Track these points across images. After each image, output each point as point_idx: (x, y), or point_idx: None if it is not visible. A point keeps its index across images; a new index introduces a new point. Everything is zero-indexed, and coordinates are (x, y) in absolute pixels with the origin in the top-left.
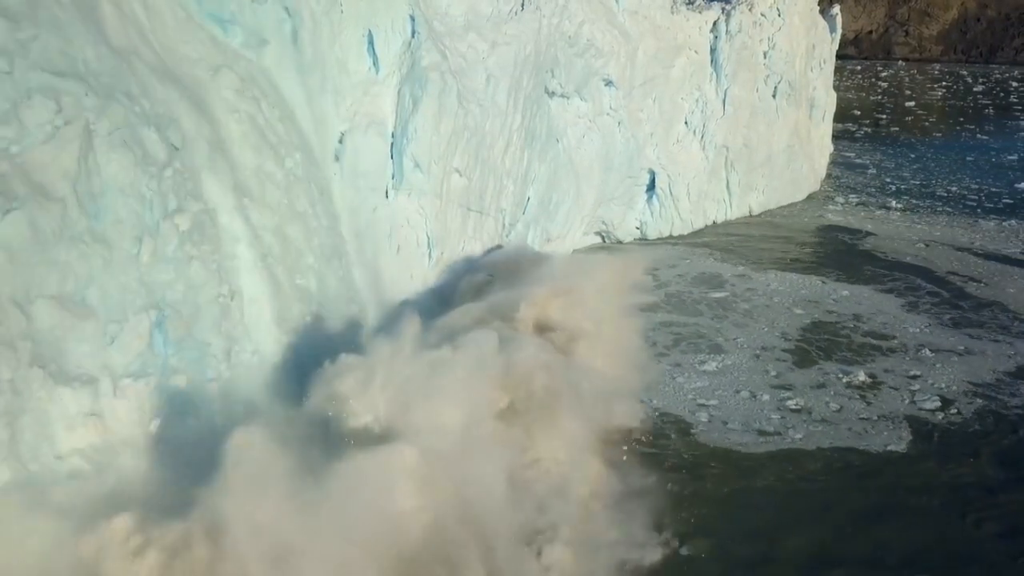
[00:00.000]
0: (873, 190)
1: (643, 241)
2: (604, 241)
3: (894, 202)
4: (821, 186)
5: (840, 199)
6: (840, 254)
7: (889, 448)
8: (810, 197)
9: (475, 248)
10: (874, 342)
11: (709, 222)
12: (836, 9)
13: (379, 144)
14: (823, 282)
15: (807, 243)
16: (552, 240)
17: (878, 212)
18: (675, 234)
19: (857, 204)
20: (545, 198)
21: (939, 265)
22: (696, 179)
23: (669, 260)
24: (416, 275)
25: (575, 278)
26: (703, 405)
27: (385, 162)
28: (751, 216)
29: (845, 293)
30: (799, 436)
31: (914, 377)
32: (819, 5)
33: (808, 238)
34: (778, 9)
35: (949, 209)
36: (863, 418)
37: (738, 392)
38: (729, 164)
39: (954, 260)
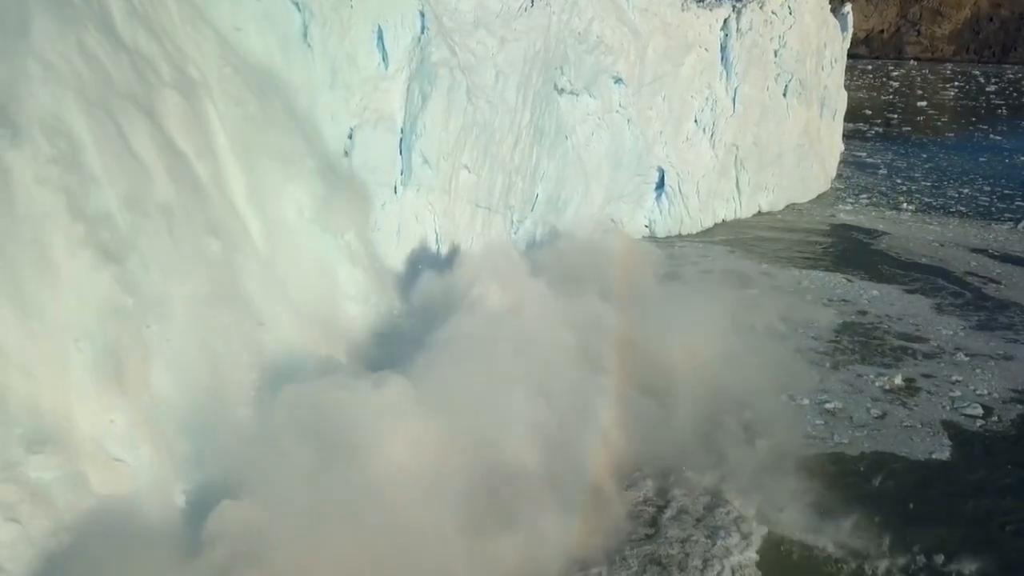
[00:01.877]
0: (884, 190)
1: (657, 239)
2: None
3: (905, 203)
4: (831, 186)
5: (851, 199)
6: (858, 253)
7: (933, 456)
8: (820, 197)
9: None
10: (909, 345)
11: (718, 220)
12: (847, 8)
13: (388, 139)
14: (848, 280)
15: (823, 242)
16: (560, 238)
17: (889, 212)
18: (684, 232)
19: (868, 204)
20: (554, 195)
21: (956, 266)
22: (705, 177)
23: (691, 258)
24: (423, 273)
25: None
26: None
27: (394, 158)
28: (760, 215)
29: (875, 293)
30: (844, 441)
31: (955, 383)
32: (830, 4)
33: (823, 237)
34: (789, 7)
35: (962, 210)
36: (907, 425)
37: (777, 396)
38: (739, 163)
39: (971, 261)
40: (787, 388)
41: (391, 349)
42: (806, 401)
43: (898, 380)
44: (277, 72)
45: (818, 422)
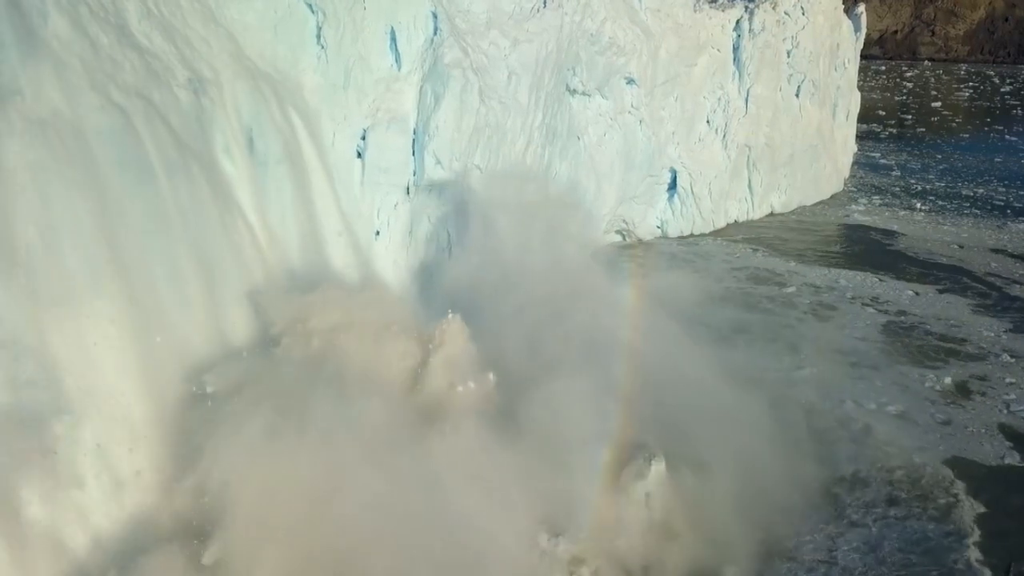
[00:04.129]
0: (897, 191)
1: (675, 238)
2: (624, 239)
3: (919, 203)
4: (844, 186)
5: (864, 200)
6: (878, 253)
7: (1005, 461)
8: (833, 197)
9: None
10: (955, 347)
11: (731, 221)
12: (861, 8)
13: (401, 140)
14: (880, 280)
15: (842, 242)
16: (571, 239)
17: (903, 213)
18: (696, 232)
19: (881, 205)
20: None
21: (977, 267)
22: (718, 178)
23: (719, 256)
24: (435, 272)
25: None
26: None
27: (407, 158)
28: (773, 215)
29: (909, 293)
30: (921, 447)
31: (1008, 385)
32: (843, 4)
33: (841, 237)
34: (802, 8)
35: (977, 211)
36: (971, 430)
37: (843, 402)
38: (751, 163)
39: (991, 262)
40: (851, 393)
41: None
42: (873, 406)
43: (948, 381)
44: (290, 73)
45: (891, 429)
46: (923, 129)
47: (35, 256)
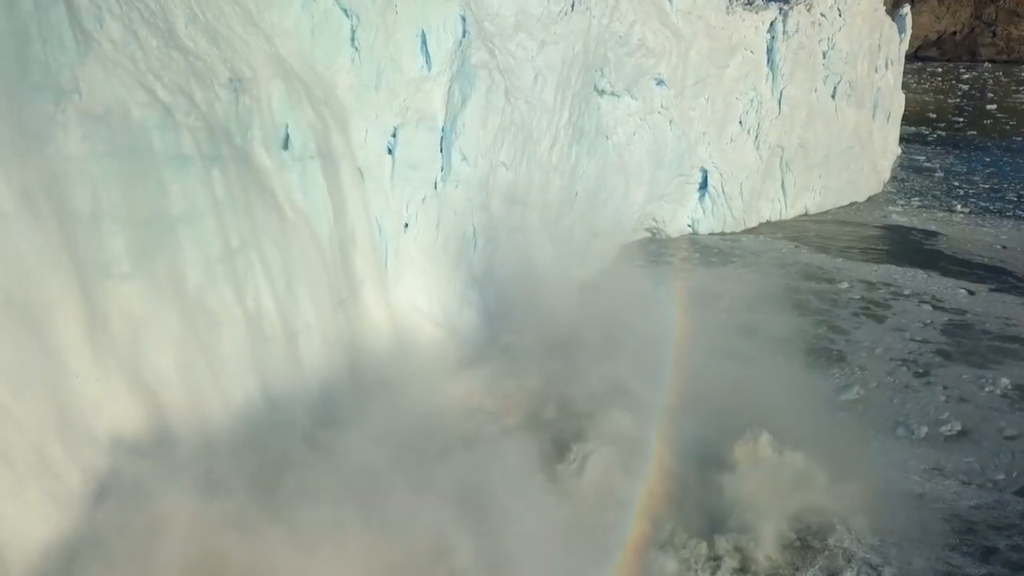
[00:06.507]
0: (939, 193)
1: (711, 235)
2: (654, 237)
3: (959, 205)
4: (883, 188)
5: (902, 201)
6: (920, 252)
7: None
8: (871, 199)
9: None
10: (1021, 348)
11: (763, 220)
12: (905, 9)
13: (429, 138)
14: (928, 276)
15: (883, 240)
16: (600, 235)
17: (941, 215)
18: (727, 231)
19: (920, 206)
20: (593, 194)
21: (1020, 268)
22: (749, 178)
23: (764, 253)
24: (461, 264)
25: None
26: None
27: (435, 155)
28: (807, 216)
29: (962, 291)
30: (992, 476)
31: None
32: (887, 5)
33: (882, 236)
34: (839, 9)
35: (1020, 213)
36: None
37: (895, 430)
38: (784, 164)
39: None
40: (903, 412)
41: None
42: (925, 430)
43: (1005, 382)
44: (325, 74)
45: (951, 461)
46: (974, 132)
47: (84, 237)
